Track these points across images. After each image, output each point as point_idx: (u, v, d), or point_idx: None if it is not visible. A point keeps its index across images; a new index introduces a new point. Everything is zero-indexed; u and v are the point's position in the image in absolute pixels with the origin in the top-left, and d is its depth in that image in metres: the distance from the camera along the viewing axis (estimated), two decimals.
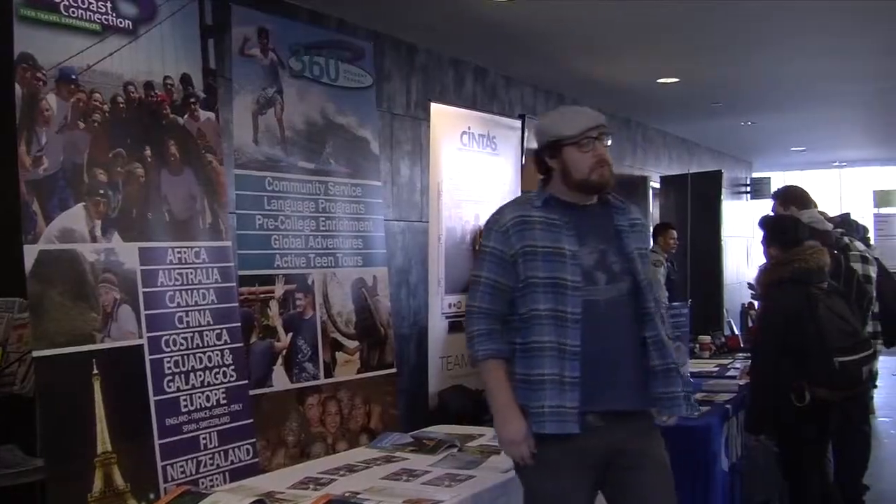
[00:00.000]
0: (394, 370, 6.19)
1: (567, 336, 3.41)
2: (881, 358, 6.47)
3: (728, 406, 5.85)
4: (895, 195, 19.72)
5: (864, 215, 14.67)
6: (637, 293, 3.54)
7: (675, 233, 10.68)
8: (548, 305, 3.43)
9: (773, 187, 17.88)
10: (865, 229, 7.04)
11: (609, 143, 3.56)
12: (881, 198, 19.46)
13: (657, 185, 13.06)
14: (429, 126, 6.76)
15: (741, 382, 6.32)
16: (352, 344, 5.87)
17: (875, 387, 8.21)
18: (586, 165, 3.50)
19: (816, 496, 5.41)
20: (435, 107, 6.78)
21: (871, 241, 7.21)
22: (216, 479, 4.73)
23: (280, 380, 5.38)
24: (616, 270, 3.52)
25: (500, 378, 3.52)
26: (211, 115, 4.96)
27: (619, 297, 3.52)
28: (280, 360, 5.39)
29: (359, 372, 5.90)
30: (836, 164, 19.60)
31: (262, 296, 5.32)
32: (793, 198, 6.55)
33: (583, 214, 3.56)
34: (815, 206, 6.78)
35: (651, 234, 11.03)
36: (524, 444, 3.46)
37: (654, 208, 13.09)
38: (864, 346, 5.31)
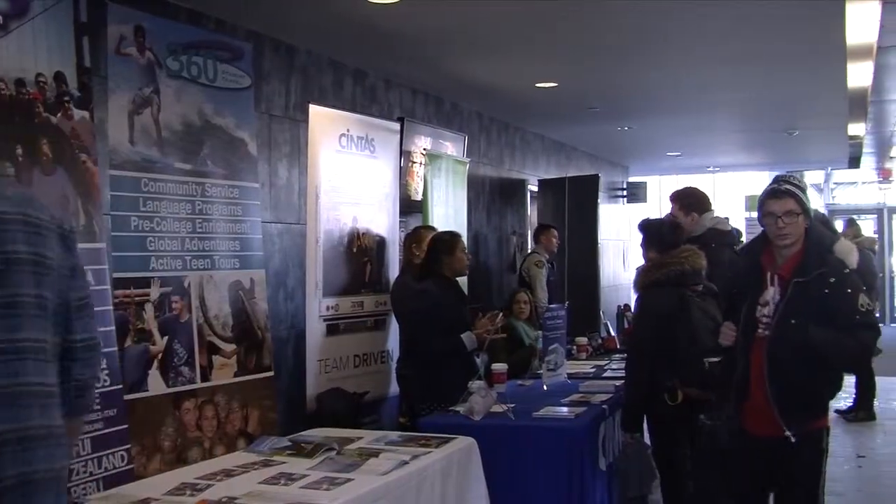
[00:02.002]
0: (271, 373, 6.14)
1: None
2: None
3: (605, 406, 5.94)
4: None
5: (736, 219, 15.01)
6: None
7: (556, 232, 10.82)
8: None
9: (650, 191, 18.23)
10: (739, 233, 7.18)
11: None
12: (752, 202, 19.92)
13: (535, 189, 13.17)
14: (307, 128, 6.73)
15: (618, 383, 6.41)
16: (229, 347, 5.81)
17: None
18: None
19: (689, 491, 5.53)
20: (314, 108, 6.75)
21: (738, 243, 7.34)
22: (89, 487, 4.63)
23: (155, 384, 5.30)
24: None
25: None
26: (85, 114, 4.86)
27: None
28: (155, 364, 5.30)
29: (236, 375, 5.84)
30: (711, 168, 20.03)
31: (137, 299, 5.23)
32: (695, 202, 6.64)
33: None
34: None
35: (533, 235, 11.20)
36: None
37: (531, 212, 13.20)
38: None
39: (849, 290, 4.46)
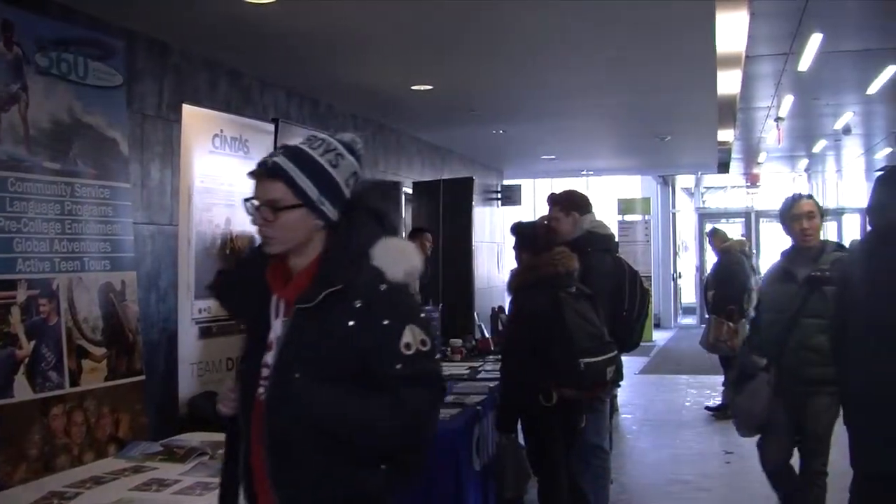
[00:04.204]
0: (143, 377, 6.03)
1: None
2: (624, 358, 6.73)
3: (479, 407, 5.99)
4: (637, 203, 20.65)
5: (609, 222, 15.29)
6: None
7: (430, 236, 10.86)
8: None
9: (524, 194, 18.42)
10: (614, 235, 7.28)
11: None
12: (625, 206, 20.35)
13: (409, 191, 13.20)
14: (181, 128, 6.64)
15: (492, 384, 6.46)
16: (99, 351, 5.69)
17: (619, 386, 8.55)
18: None
19: (563, 490, 5.60)
20: (187, 108, 6.66)
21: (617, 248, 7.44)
22: None
23: (21, 390, 5.15)
24: None
25: None
26: None
27: None
28: (22, 369, 5.15)
29: (106, 379, 5.72)
30: (584, 172, 20.32)
31: (3, 301, 5.08)
32: (575, 204, 6.68)
33: None
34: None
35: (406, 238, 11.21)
36: None
37: (406, 214, 13.22)
38: (607, 347, 5.53)
39: (385, 322, 2.76)
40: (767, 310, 6.01)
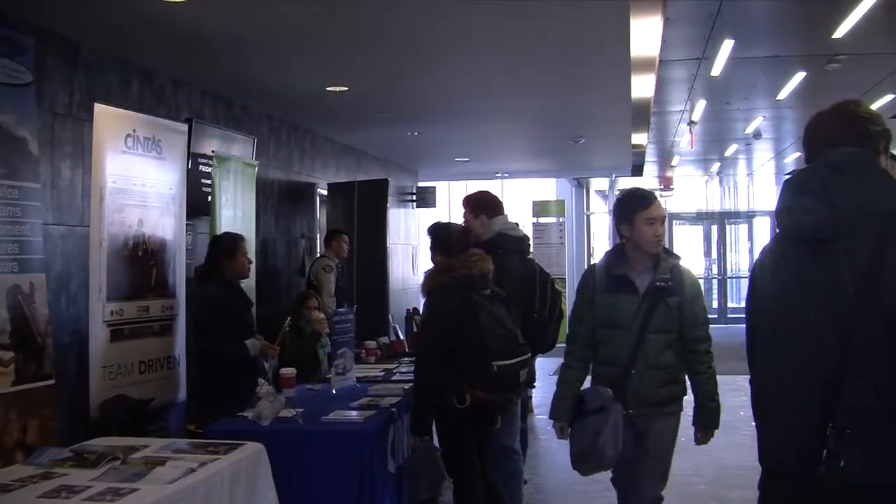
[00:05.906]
0: (52, 381, 5.93)
1: None
2: (540, 359, 6.76)
3: (394, 409, 5.99)
4: (552, 205, 20.77)
5: (523, 224, 15.37)
6: None
7: (347, 238, 10.87)
8: None
9: (439, 196, 18.46)
10: (527, 237, 7.32)
11: None
12: (539, 208, 20.44)
13: (324, 193, 13.16)
14: (92, 127, 6.55)
15: (406, 386, 6.47)
16: (6, 355, 5.58)
17: (533, 387, 8.60)
18: None
19: (479, 492, 5.62)
20: (99, 108, 6.57)
21: (531, 250, 7.48)
22: None
23: None
24: None
25: None
26: None
27: None
28: None
29: (14, 384, 5.61)
30: (499, 174, 20.41)
31: None
32: (484, 205, 6.69)
33: None
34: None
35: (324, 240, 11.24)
36: None
37: (321, 216, 13.18)
38: (521, 350, 5.55)
39: None
40: (598, 323, 5.22)
